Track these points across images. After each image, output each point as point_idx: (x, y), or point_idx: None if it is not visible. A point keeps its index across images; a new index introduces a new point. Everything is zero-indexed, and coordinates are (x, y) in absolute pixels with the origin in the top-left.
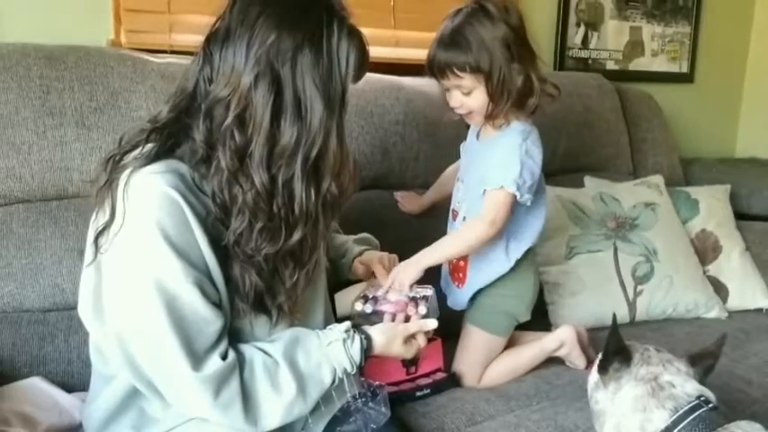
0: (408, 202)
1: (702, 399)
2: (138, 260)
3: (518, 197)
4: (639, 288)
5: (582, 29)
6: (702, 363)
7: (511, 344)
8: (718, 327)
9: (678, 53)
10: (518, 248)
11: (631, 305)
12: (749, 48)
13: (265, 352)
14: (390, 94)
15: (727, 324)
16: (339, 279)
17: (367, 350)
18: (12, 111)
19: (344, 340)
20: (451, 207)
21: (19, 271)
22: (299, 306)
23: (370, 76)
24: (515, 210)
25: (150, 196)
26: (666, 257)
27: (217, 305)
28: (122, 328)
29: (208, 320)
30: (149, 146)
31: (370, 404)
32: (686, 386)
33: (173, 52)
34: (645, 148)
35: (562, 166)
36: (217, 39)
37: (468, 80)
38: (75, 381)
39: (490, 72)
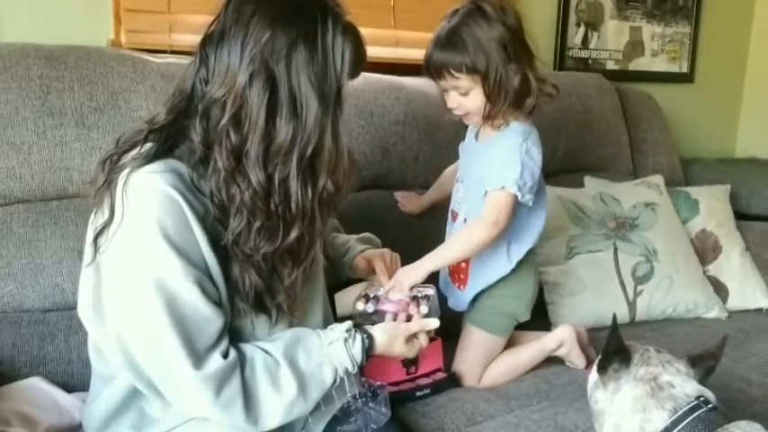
0: (408, 202)
1: (702, 399)
2: (138, 259)
3: (519, 197)
4: (639, 288)
5: (582, 29)
6: (703, 364)
7: (510, 344)
8: (718, 327)
9: (678, 53)
10: (519, 250)
11: (631, 305)
12: (749, 48)
13: (266, 351)
14: (390, 94)
15: (727, 324)
16: (340, 278)
17: (368, 349)
18: (12, 111)
19: (346, 339)
20: (451, 208)
21: (19, 271)
22: (298, 305)
23: (369, 76)
24: (516, 211)
25: (149, 195)
26: (666, 257)
27: (217, 304)
28: (122, 328)
29: (208, 319)
30: (148, 146)
31: (370, 404)
32: (686, 387)
33: (173, 52)
34: (645, 148)
35: (562, 166)
36: (212, 40)
37: (464, 81)
38: (75, 381)
39: (487, 72)
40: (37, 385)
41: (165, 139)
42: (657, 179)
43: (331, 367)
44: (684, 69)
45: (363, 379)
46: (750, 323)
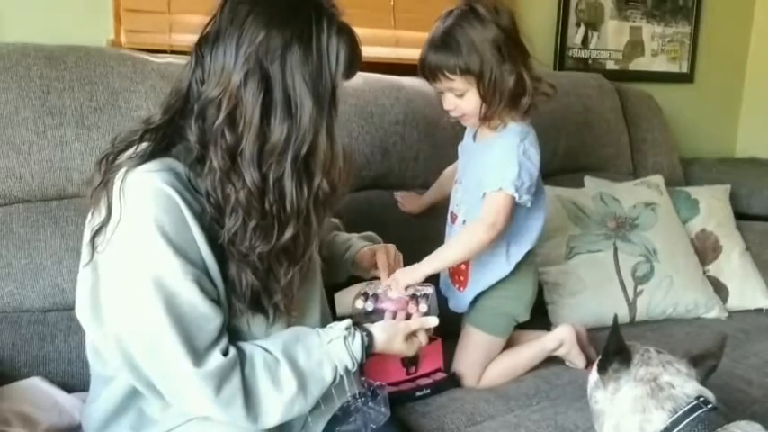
0: (408, 202)
1: (702, 399)
2: (136, 258)
3: (517, 198)
4: (639, 288)
5: (582, 29)
6: (704, 364)
7: (510, 343)
8: (718, 327)
9: (678, 53)
10: (518, 251)
11: (631, 305)
12: (749, 48)
13: (265, 349)
14: (390, 94)
15: (728, 324)
16: (341, 276)
17: (368, 347)
18: (12, 111)
19: (345, 337)
20: (450, 209)
21: (19, 271)
22: (295, 305)
23: (369, 76)
24: (515, 212)
25: (147, 194)
26: (666, 257)
27: (216, 302)
28: (121, 328)
29: (207, 317)
30: (144, 145)
31: (369, 404)
32: (686, 387)
33: (173, 52)
34: (645, 148)
35: (562, 166)
36: (208, 40)
37: (459, 83)
38: (75, 381)
39: (481, 74)
40: (37, 385)
41: (162, 139)
42: (657, 179)
43: (331, 365)
44: (684, 69)
45: (363, 378)
46: (750, 323)
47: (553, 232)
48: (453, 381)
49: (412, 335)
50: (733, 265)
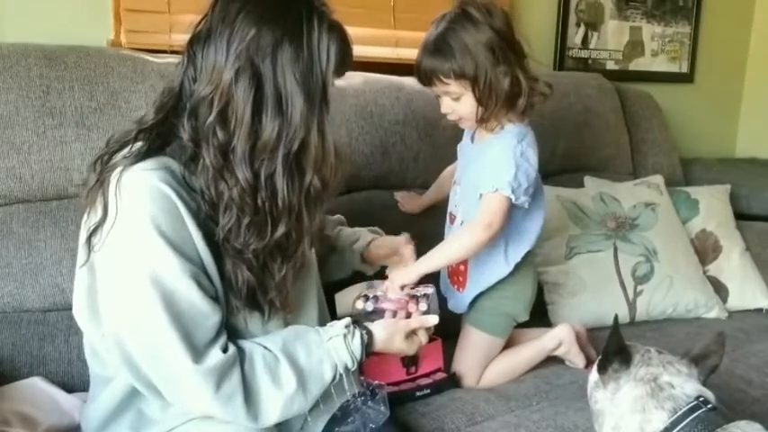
0: (408, 202)
1: (701, 399)
2: (133, 256)
3: (513, 200)
4: (639, 288)
5: (582, 29)
6: (705, 363)
7: (510, 343)
8: (718, 327)
9: (678, 53)
10: (517, 252)
11: (631, 305)
12: (749, 48)
13: (265, 347)
14: (390, 94)
15: (728, 324)
16: (347, 268)
17: (368, 345)
18: (12, 111)
19: (345, 335)
20: (449, 210)
21: (19, 271)
22: (290, 302)
23: (369, 76)
24: (513, 213)
25: (143, 192)
26: (666, 257)
27: (214, 299)
28: (119, 327)
29: (206, 314)
30: (138, 144)
31: (369, 403)
32: (685, 387)
33: (173, 52)
34: (645, 148)
35: (562, 166)
36: (199, 38)
37: (454, 86)
38: (75, 381)
39: (475, 77)
40: (37, 385)
41: (156, 138)
42: (657, 179)
43: (331, 363)
44: (684, 69)
45: (362, 378)
46: (750, 323)
47: (553, 232)
48: (453, 381)
49: (412, 333)
50: (733, 265)
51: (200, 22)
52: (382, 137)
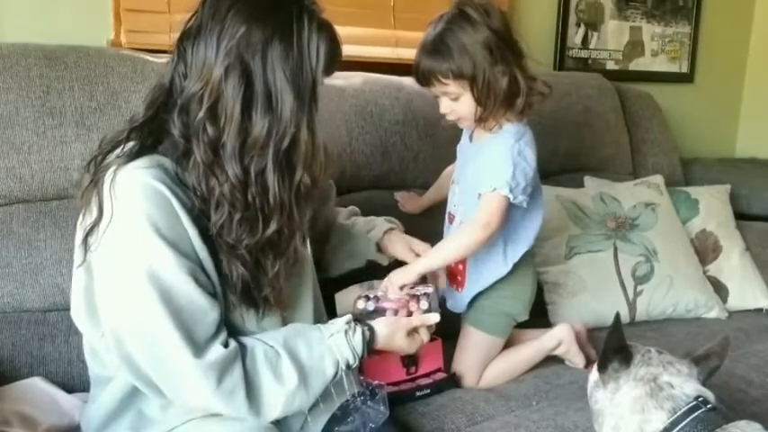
0: (408, 202)
1: (701, 399)
2: (130, 254)
3: (511, 199)
4: (639, 288)
5: (582, 29)
6: (706, 364)
7: (510, 342)
8: (718, 327)
9: (678, 53)
10: (515, 252)
11: (631, 305)
12: (749, 47)
13: (266, 343)
14: (390, 94)
15: (728, 324)
16: (361, 258)
17: (370, 342)
18: (12, 111)
19: (346, 331)
20: (447, 210)
21: (19, 271)
22: (285, 299)
23: (369, 75)
24: (512, 213)
25: (137, 190)
26: (666, 257)
27: (212, 295)
28: (118, 326)
29: (205, 310)
30: (131, 144)
31: (369, 403)
32: (685, 387)
33: (172, 52)
34: (645, 148)
35: (562, 166)
36: (189, 35)
37: (452, 86)
38: (75, 381)
39: (474, 77)
40: (37, 385)
41: (147, 136)
42: (657, 179)
43: (332, 359)
44: (684, 69)
45: (362, 378)
46: (750, 323)
47: (553, 232)
48: (453, 381)
49: (414, 332)
50: (733, 265)
51: (190, 19)
52: (382, 137)
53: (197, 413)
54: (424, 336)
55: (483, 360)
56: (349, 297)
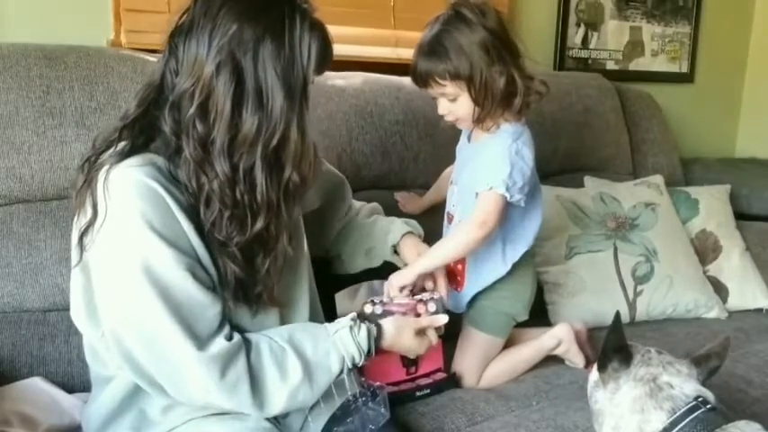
0: (408, 203)
1: (701, 400)
2: (126, 251)
3: (508, 198)
4: (639, 288)
5: (582, 29)
6: (707, 364)
7: (511, 342)
8: (718, 327)
9: (678, 53)
10: (514, 252)
11: (631, 305)
12: (749, 47)
13: (271, 338)
14: (390, 94)
15: (728, 324)
16: (378, 259)
17: (377, 339)
18: (12, 111)
19: (351, 327)
20: (446, 210)
21: (19, 271)
22: (279, 297)
23: (369, 75)
24: (510, 213)
25: (131, 189)
26: (666, 257)
27: (212, 289)
28: (117, 324)
29: (205, 305)
30: (123, 143)
31: (369, 404)
32: (685, 387)
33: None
34: (645, 148)
35: (562, 166)
36: (181, 31)
37: (450, 87)
38: (75, 381)
39: (471, 77)
40: (37, 385)
41: (139, 133)
42: (657, 179)
43: (337, 355)
44: (684, 69)
45: (363, 379)
46: (750, 323)
47: (553, 232)
48: (453, 381)
49: (422, 332)
50: (733, 265)
51: (182, 16)
52: (382, 137)
53: (199, 412)
54: (433, 337)
55: (483, 360)
56: (349, 297)
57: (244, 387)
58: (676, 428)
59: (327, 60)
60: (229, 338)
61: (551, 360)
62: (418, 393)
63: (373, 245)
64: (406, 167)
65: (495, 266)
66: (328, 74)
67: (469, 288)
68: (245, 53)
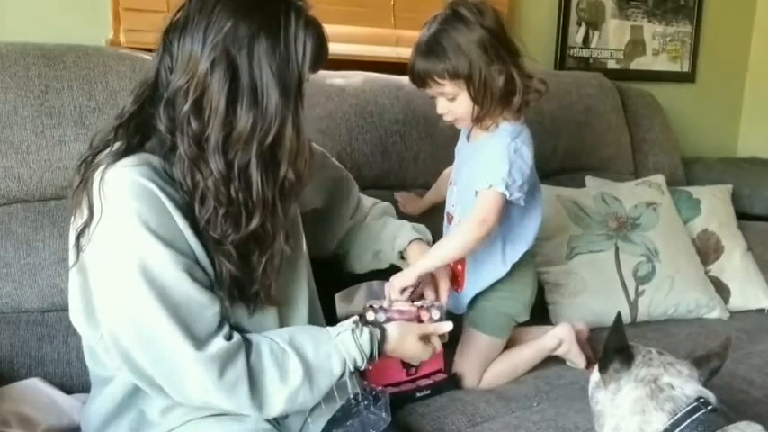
0: (408, 203)
1: (702, 401)
2: (122, 252)
3: (508, 196)
4: (641, 288)
5: (583, 28)
6: (707, 365)
7: (511, 341)
8: (719, 327)
9: (679, 52)
10: (514, 252)
11: (633, 305)
12: (751, 47)
13: (272, 339)
14: (390, 94)
15: (729, 324)
16: (384, 262)
17: (381, 343)
18: (10, 110)
19: (353, 330)
20: (446, 210)
21: (17, 271)
22: (277, 296)
23: (369, 75)
24: (510, 213)
25: (126, 188)
26: (668, 258)
27: (210, 289)
28: (115, 326)
29: (203, 305)
30: (118, 143)
31: (371, 408)
32: (685, 388)
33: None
34: (646, 147)
35: (563, 165)
36: (176, 28)
37: (449, 87)
38: (74, 381)
39: (470, 76)
40: (36, 386)
41: (135, 132)
42: (659, 179)
43: (339, 358)
44: (686, 69)
45: (365, 383)
46: (752, 323)
47: (554, 232)
48: (454, 381)
49: (425, 339)
50: (735, 265)
51: (177, 12)
52: (382, 136)
53: (198, 413)
54: (437, 344)
55: (483, 361)
56: (349, 297)
57: (242, 387)
58: (677, 430)
59: (323, 58)
60: (229, 338)
61: (552, 361)
62: (418, 394)
63: (381, 248)
64: (406, 167)
65: (495, 267)
66: (328, 73)
67: (469, 289)
68: (239, 50)
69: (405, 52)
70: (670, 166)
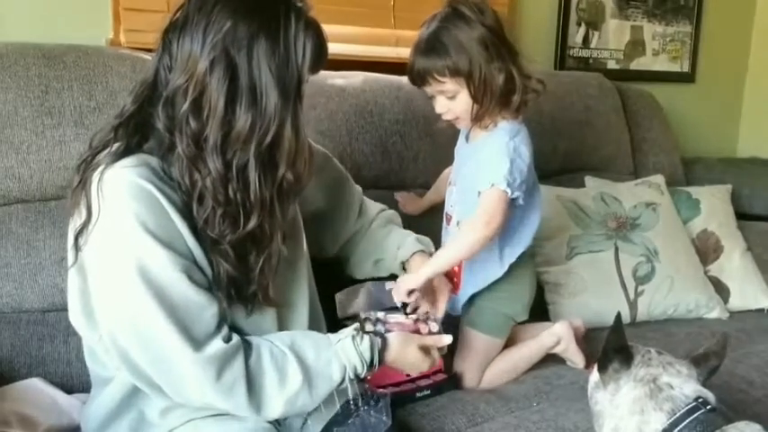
0: (408, 203)
1: (701, 400)
2: (120, 253)
3: (509, 194)
4: (640, 288)
5: (583, 28)
6: (706, 364)
7: (511, 339)
8: (719, 327)
9: (679, 52)
10: (512, 253)
11: (632, 305)
12: (750, 47)
13: (273, 343)
14: (390, 94)
15: (729, 324)
16: (385, 271)
17: (382, 351)
18: (10, 110)
19: (353, 337)
20: (445, 211)
21: (18, 271)
22: (276, 297)
23: (369, 75)
24: (509, 213)
25: (124, 189)
26: (667, 258)
27: (208, 290)
28: (114, 326)
29: (201, 306)
30: (117, 144)
31: (371, 412)
32: (684, 388)
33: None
34: (646, 147)
35: (563, 165)
36: (175, 27)
37: (449, 84)
38: (74, 381)
39: (470, 73)
40: (36, 386)
41: (134, 132)
42: (658, 179)
43: (339, 364)
44: (686, 69)
45: (366, 386)
46: (751, 323)
47: (554, 232)
48: (454, 381)
49: (425, 350)
50: (734, 265)
51: (176, 12)
52: (382, 136)
53: (197, 413)
54: (437, 356)
55: (483, 361)
56: (349, 298)
57: (240, 389)
58: (676, 429)
59: (322, 59)
60: (227, 340)
61: (552, 361)
62: (418, 394)
63: (383, 257)
64: (406, 167)
65: (492, 267)
66: (328, 73)
67: (465, 289)
68: (239, 50)
69: (405, 52)
70: (670, 166)
